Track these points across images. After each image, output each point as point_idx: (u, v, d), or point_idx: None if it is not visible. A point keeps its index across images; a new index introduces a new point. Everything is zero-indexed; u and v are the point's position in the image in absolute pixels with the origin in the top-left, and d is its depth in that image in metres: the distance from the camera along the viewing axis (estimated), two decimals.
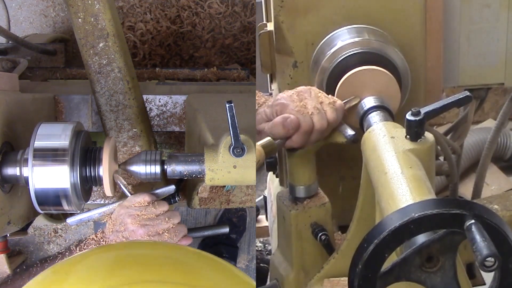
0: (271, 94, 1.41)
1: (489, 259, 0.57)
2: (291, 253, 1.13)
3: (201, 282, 0.69)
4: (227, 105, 1.03)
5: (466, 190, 2.26)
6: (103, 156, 1.12)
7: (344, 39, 1.10)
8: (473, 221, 0.61)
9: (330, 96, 1.04)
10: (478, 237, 0.59)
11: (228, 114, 1.04)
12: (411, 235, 0.64)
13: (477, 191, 1.50)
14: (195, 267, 0.73)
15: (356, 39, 1.09)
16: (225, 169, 1.14)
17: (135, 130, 1.44)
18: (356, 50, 1.08)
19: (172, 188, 1.23)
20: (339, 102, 1.03)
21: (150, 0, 2.35)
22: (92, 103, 1.52)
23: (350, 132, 1.01)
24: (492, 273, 0.66)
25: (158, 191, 1.21)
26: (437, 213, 0.63)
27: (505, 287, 0.64)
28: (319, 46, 1.15)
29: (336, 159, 1.28)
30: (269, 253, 2.32)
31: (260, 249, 2.41)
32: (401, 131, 0.85)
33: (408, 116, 0.82)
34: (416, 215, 0.63)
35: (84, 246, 1.15)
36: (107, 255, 0.77)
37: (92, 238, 1.16)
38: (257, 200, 2.18)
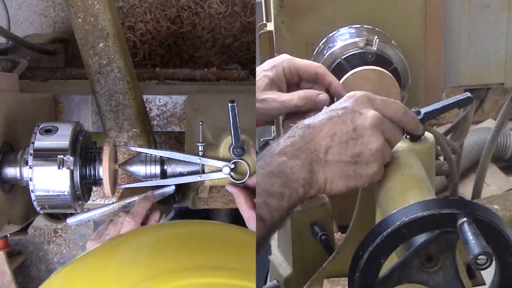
0: None
1: (481, 257, 0.57)
2: (291, 253, 1.13)
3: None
4: (229, 105, 1.04)
5: (466, 190, 2.26)
6: (103, 156, 1.12)
7: (344, 39, 1.10)
8: (465, 219, 0.61)
9: None
10: (469, 236, 0.59)
11: (230, 114, 1.05)
12: (405, 238, 0.64)
13: (477, 191, 1.50)
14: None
15: (356, 39, 1.09)
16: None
17: (135, 130, 1.44)
18: (356, 50, 1.08)
19: (172, 188, 1.23)
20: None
21: (150, 0, 2.35)
22: (92, 103, 1.52)
23: None
24: (492, 273, 0.66)
25: (158, 191, 1.21)
26: (427, 215, 0.63)
27: (506, 280, 0.64)
28: (319, 46, 1.15)
29: None
30: (269, 253, 2.31)
31: None
32: None
33: None
34: (407, 218, 0.63)
35: None
36: (149, 236, 0.69)
37: None
38: None
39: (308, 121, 0.76)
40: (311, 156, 0.73)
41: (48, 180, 1.08)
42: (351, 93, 0.78)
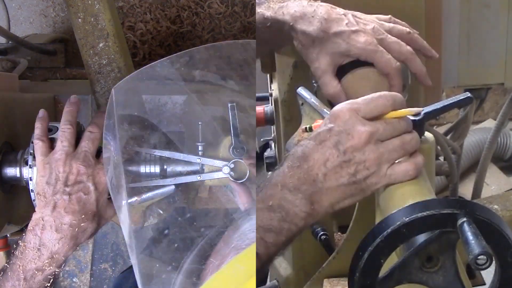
0: (271, 94, 1.41)
1: (481, 257, 0.57)
2: (291, 253, 1.13)
3: None
4: (229, 105, 1.04)
5: (466, 190, 2.26)
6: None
7: None
8: (464, 219, 0.61)
9: None
10: (469, 236, 0.59)
11: (230, 114, 1.05)
12: (405, 239, 0.64)
13: (477, 191, 1.50)
14: None
15: None
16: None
17: None
18: None
19: (171, 188, 1.23)
20: None
21: (150, 0, 2.35)
22: (92, 103, 1.52)
23: None
24: (492, 273, 0.66)
25: (157, 191, 1.21)
26: (427, 215, 0.63)
27: (506, 280, 0.64)
28: None
29: None
30: None
31: None
32: None
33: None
34: (407, 218, 0.63)
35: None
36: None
37: None
38: None
39: (301, 149, 0.75)
40: (311, 187, 0.73)
41: None
42: (334, 110, 0.77)
